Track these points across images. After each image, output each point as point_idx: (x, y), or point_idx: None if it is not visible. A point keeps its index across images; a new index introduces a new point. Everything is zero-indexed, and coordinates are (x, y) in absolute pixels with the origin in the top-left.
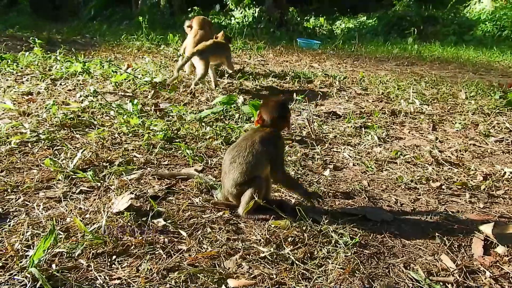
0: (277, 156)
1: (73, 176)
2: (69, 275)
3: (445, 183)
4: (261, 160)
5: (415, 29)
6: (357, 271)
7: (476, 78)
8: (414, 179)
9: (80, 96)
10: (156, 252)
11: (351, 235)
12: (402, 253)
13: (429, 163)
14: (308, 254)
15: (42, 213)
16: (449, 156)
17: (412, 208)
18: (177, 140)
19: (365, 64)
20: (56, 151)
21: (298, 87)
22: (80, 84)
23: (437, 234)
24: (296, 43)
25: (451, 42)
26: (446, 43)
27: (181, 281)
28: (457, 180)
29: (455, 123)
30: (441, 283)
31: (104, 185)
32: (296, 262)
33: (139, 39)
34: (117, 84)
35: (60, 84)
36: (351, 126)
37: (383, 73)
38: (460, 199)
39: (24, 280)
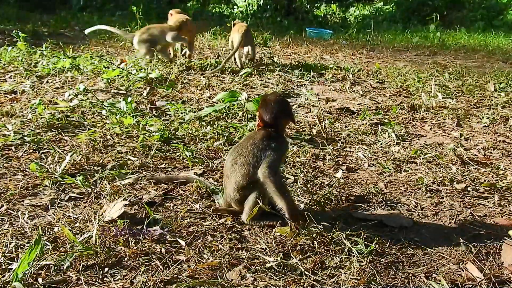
0: (274, 154)
1: (61, 182)
2: None
3: (471, 185)
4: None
5: (438, 15)
6: (372, 282)
7: (506, 67)
8: (436, 181)
9: (69, 94)
10: (152, 263)
11: (366, 243)
12: (423, 261)
13: (453, 162)
14: (319, 264)
15: (27, 222)
16: (475, 155)
17: (434, 213)
18: (175, 141)
19: (382, 55)
20: (42, 155)
21: (307, 81)
22: (68, 81)
23: (462, 240)
24: (306, 33)
25: (479, 28)
26: (472, 29)
27: None
28: (485, 181)
29: (483, 118)
30: None
31: (95, 191)
32: (306, 272)
33: (133, 31)
34: (109, 81)
35: (47, 82)
36: (366, 123)
37: (402, 64)
38: (488, 202)
39: None
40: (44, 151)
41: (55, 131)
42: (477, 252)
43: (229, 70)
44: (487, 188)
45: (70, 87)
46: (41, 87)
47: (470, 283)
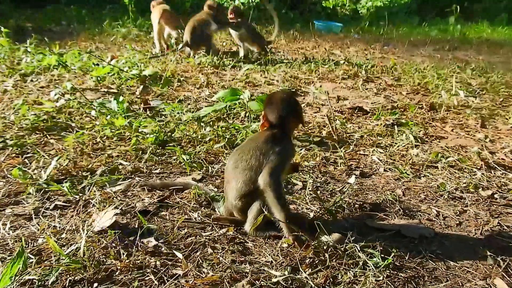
0: (278, 159)
1: (47, 189)
2: None
3: (498, 191)
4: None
5: (458, 6)
6: None
7: None
8: (459, 187)
9: (55, 94)
10: (146, 278)
11: (382, 255)
12: (446, 276)
13: (478, 167)
14: (331, 279)
15: (9, 233)
16: (502, 159)
17: (458, 222)
18: (171, 144)
19: (397, 50)
20: (26, 160)
21: (316, 78)
22: (55, 79)
23: (489, 253)
24: (313, 27)
25: (503, 20)
26: (496, 22)
27: None
28: None
29: (509, 118)
30: None
31: (83, 199)
32: None
33: (125, 26)
34: (99, 79)
35: (31, 80)
36: (381, 124)
37: (419, 60)
38: None
39: None
40: (28, 155)
41: (40, 134)
42: (506, 266)
43: (229, 66)
44: None
45: (57, 85)
46: (25, 86)
47: None
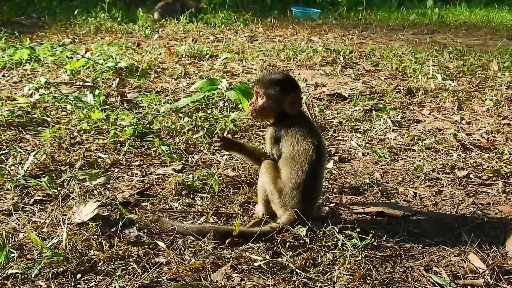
0: None
1: (25, 185)
2: None
3: (473, 171)
4: None
5: None
6: (368, 278)
7: (511, 45)
8: (436, 168)
9: (29, 88)
10: (129, 267)
11: (361, 236)
12: (423, 254)
13: (454, 148)
14: (310, 261)
15: None
16: (478, 140)
17: (434, 202)
18: (150, 136)
19: (376, 35)
20: (2, 156)
21: (294, 66)
22: (27, 74)
23: (464, 231)
24: (291, 13)
25: (480, 3)
26: (474, 4)
27: None
28: (488, 167)
29: (485, 100)
30: (469, 287)
31: (62, 193)
32: (297, 270)
33: (98, 17)
34: (73, 72)
35: (3, 76)
36: (360, 110)
37: (398, 45)
38: (492, 189)
39: None
40: (4, 151)
41: (15, 130)
42: (480, 242)
43: (207, 56)
44: (491, 175)
45: (30, 80)
46: None
47: (472, 274)
